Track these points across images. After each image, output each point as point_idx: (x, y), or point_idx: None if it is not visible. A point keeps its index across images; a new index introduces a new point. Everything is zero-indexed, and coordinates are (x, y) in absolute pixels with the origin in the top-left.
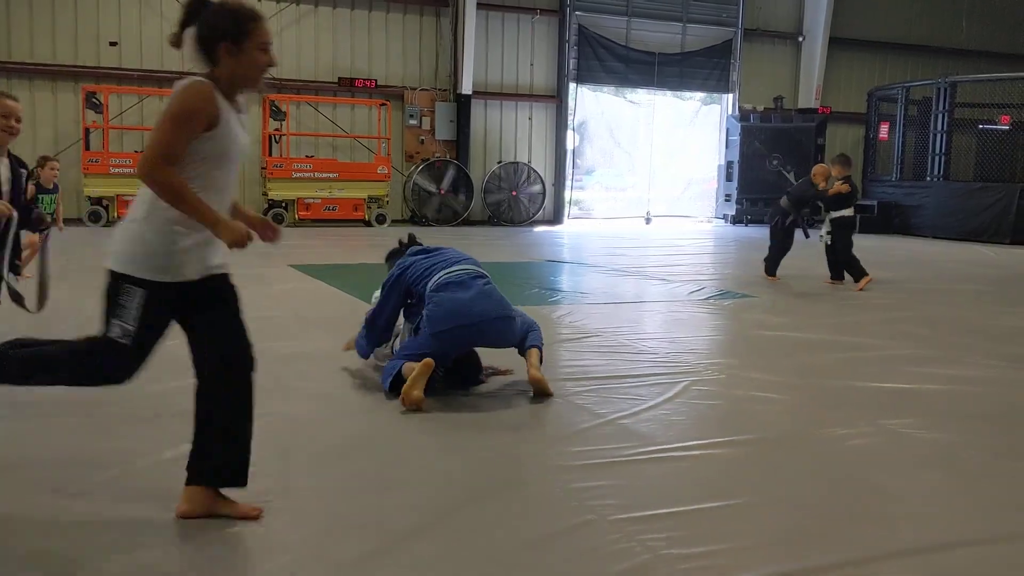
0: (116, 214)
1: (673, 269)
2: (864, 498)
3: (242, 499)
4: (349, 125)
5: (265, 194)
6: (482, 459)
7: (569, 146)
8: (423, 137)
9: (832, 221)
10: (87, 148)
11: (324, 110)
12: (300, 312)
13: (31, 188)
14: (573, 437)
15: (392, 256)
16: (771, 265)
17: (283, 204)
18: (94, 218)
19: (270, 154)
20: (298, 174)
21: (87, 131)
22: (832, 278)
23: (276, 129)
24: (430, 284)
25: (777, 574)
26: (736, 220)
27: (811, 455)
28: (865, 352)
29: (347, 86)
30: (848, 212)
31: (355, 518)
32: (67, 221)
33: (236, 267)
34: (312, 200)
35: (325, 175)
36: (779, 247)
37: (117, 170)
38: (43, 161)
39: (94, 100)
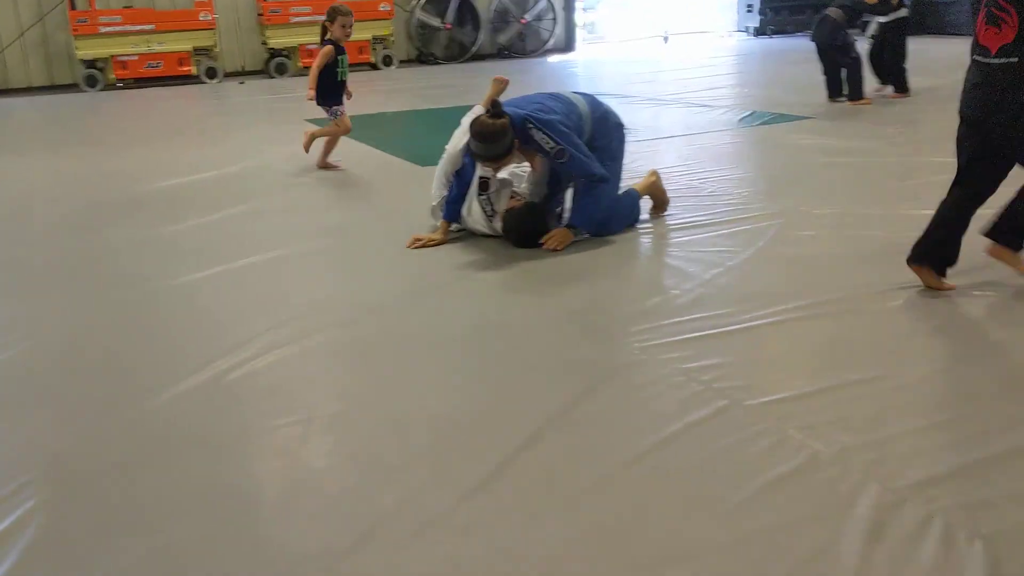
0: (112, 76)
1: (712, 93)
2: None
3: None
4: None
5: (264, 43)
6: (576, 338)
7: None
8: None
9: (883, 24)
10: (73, 7)
11: None
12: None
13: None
14: (669, 305)
15: (500, 135)
16: (854, 87)
17: (285, 53)
18: (91, 82)
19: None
20: (296, 19)
21: None
22: (882, 83)
23: None
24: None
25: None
26: (760, 32)
27: (932, 310)
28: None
29: None
30: (904, 12)
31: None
32: (61, 87)
33: (251, 128)
34: (315, 46)
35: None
36: (842, 65)
37: (107, 29)
38: (333, 15)
39: None
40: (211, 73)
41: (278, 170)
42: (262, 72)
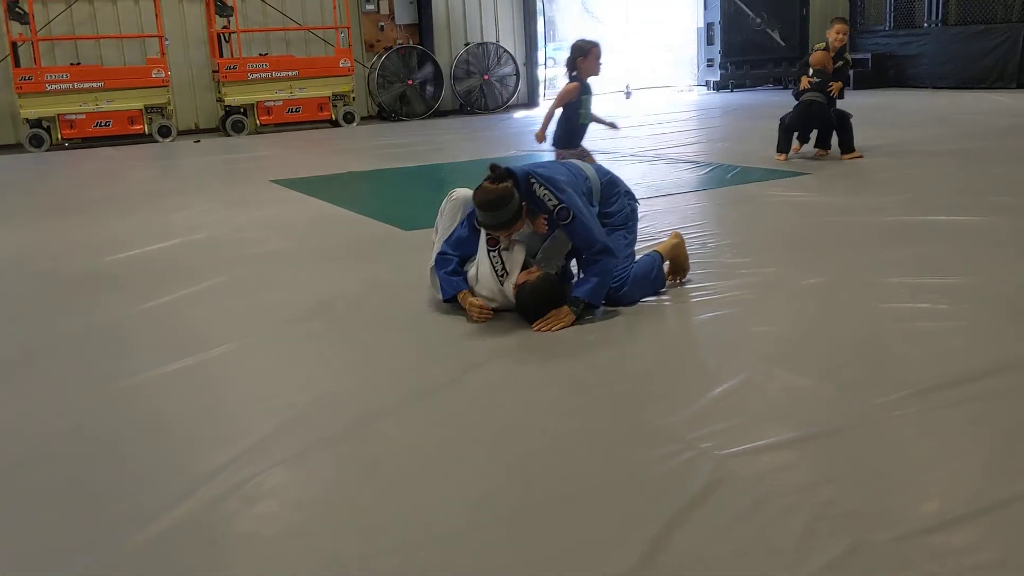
0: (59, 136)
1: (694, 148)
2: None
3: None
4: (301, 16)
5: (220, 100)
6: (627, 447)
7: (539, 21)
8: (383, 23)
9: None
10: (16, 64)
11: (272, 1)
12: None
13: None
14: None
15: (506, 199)
16: (847, 141)
17: (241, 109)
18: (36, 143)
19: (221, 55)
20: (254, 75)
21: (14, 45)
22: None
23: (224, 27)
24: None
25: None
26: (721, 86)
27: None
28: None
29: None
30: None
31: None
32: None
33: (213, 191)
34: (273, 103)
35: (284, 74)
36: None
37: (54, 87)
38: (584, 49)
39: (18, 10)
40: (164, 132)
41: (247, 237)
42: (217, 130)
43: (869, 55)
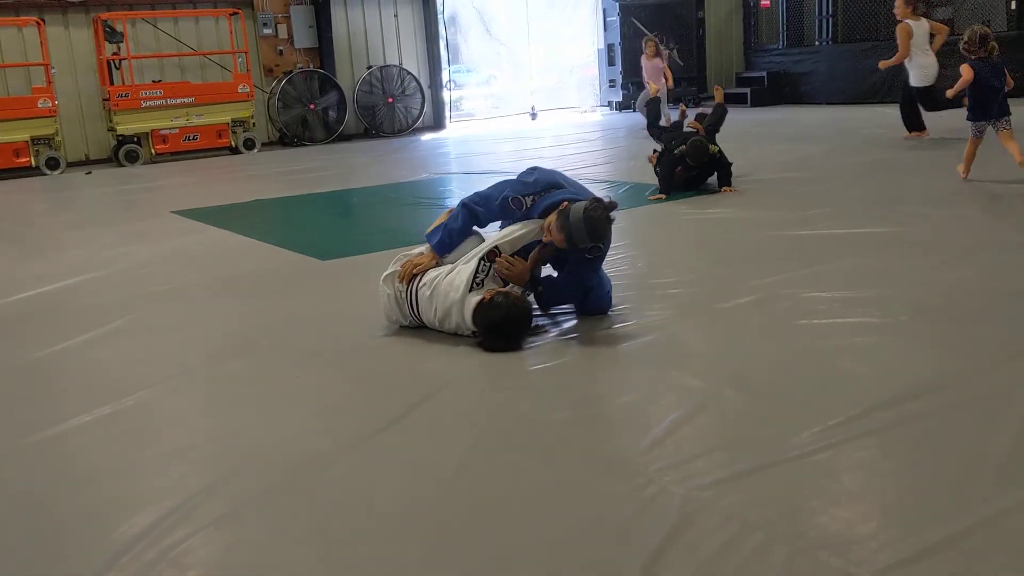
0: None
1: (606, 168)
2: None
3: None
4: (196, 41)
5: (112, 130)
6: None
7: (442, 44)
8: (281, 47)
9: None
10: (111, 83)
11: (164, 26)
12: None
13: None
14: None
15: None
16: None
17: (135, 139)
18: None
19: (111, 83)
20: (148, 103)
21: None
22: None
23: (114, 53)
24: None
25: None
26: (623, 106)
27: None
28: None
29: None
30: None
31: None
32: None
33: (111, 224)
34: (169, 131)
35: (180, 101)
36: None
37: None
38: (985, 38)
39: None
40: (52, 164)
41: (153, 273)
42: (109, 161)
43: (764, 73)
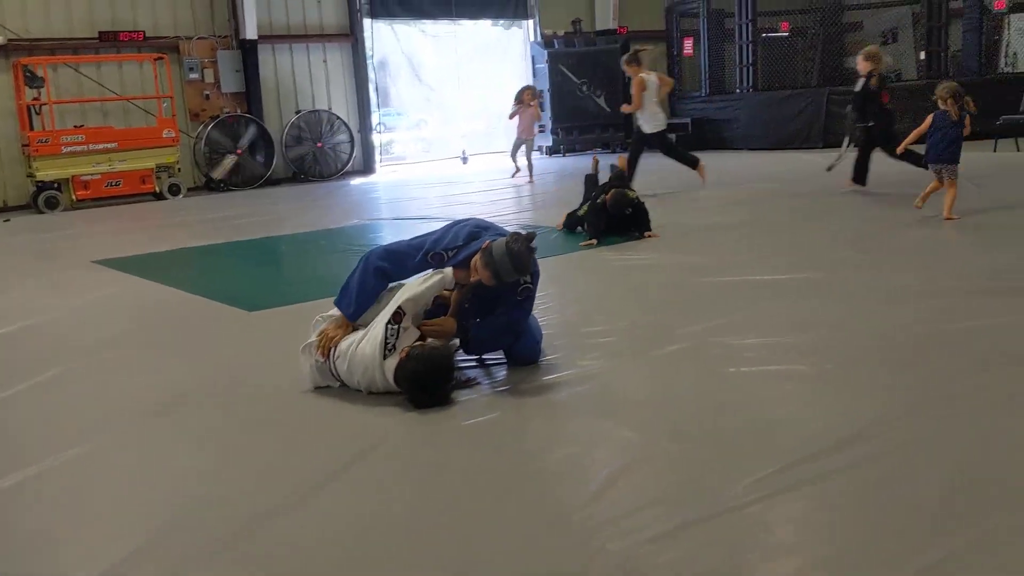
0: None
1: (535, 214)
2: None
3: None
4: (119, 86)
5: (31, 176)
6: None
7: (372, 88)
8: (208, 92)
9: None
10: (31, 128)
11: (87, 71)
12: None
13: None
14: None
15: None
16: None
17: (55, 185)
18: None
19: (31, 128)
20: (69, 148)
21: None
22: None
23: (35, 99)
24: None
25: None
26: (553, 151)
27: None
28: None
29: (111, 41)
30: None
31: None
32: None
33: (30, 274)
34: (90, 177)
35: (102, 146)
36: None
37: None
38: None
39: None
40: None
41: (76, 325)
42: (28, 207)
43: (689, 120)
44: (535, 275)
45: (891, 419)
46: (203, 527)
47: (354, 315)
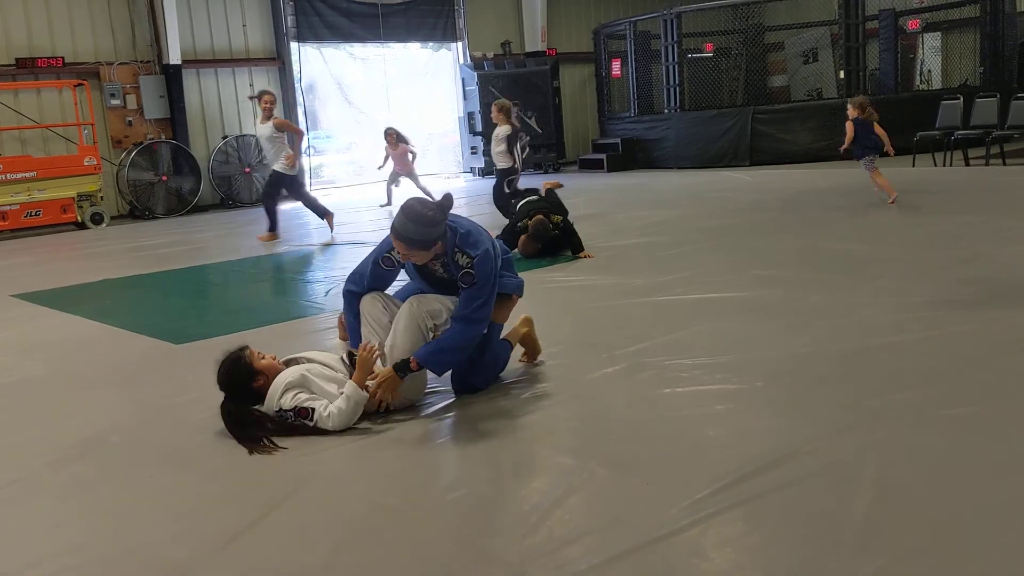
0: None
1: None
2: None
3: None
4: (37, 113)
5: None
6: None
7: (301, 111)
8: (130, 118)
9: None
10: None
11: (3, 99)
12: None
13: None
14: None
15: (432, 223)
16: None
17: None
18: None
19: None
20: None
21: None
22: None
23: None
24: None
25: None
26: (486, 172)
27: None
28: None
29: (28, 67)
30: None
31: None
32: None
33: None
34: (8, 207)
35: (20, 175)
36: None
37: None
38: None
39: None
40: None
41: None
42: None
43: (619, 140)
44: (479, 260)
45: (815, 438)
46: None
47: (355, 344)
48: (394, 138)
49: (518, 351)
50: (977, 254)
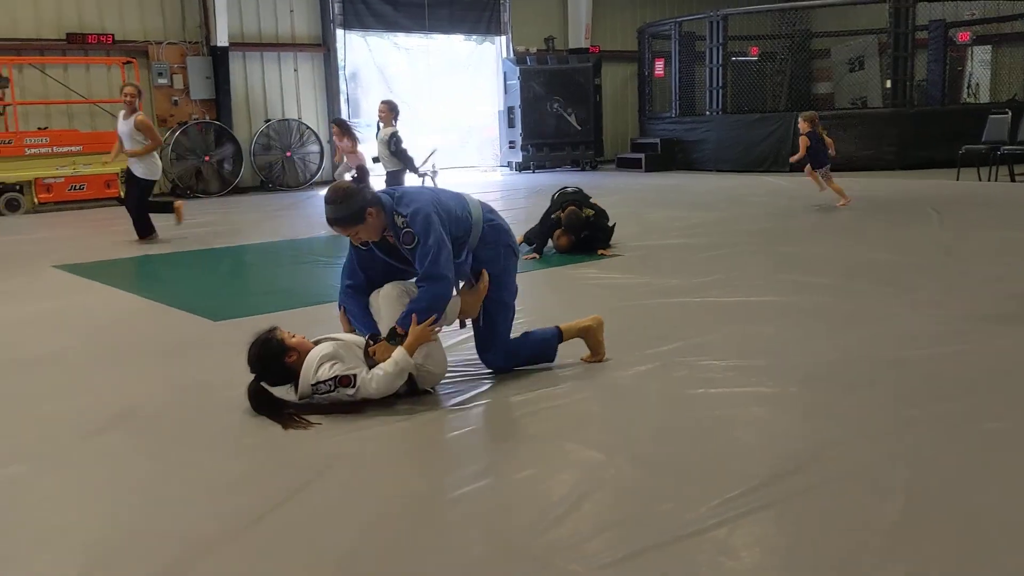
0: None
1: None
2: None
3: None
4: (86, 89)
5: None
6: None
7: (343, 99)
8: (176, 98)
9: None
10: None
11: (53, 73)
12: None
13: None
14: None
15: (349, 197)
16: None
17: (17, 187)
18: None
19: None
20: (32, 150)
21: None
22: None
23: None
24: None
25: None
26: (523, 167)
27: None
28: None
29: (79, 43)
30: None
31: None
32: None
33: None
34: (54, 180)
35: (66, 149)
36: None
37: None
38: None
39: None
40: None
41: (26, 334)
42: None
43: (658, 140)
44: (411, 215)
45: (848, 442)
46: (147, 554)
47: (368, 330)
48: (339, 130)
49: (580, 349)
50: (1019, 270)
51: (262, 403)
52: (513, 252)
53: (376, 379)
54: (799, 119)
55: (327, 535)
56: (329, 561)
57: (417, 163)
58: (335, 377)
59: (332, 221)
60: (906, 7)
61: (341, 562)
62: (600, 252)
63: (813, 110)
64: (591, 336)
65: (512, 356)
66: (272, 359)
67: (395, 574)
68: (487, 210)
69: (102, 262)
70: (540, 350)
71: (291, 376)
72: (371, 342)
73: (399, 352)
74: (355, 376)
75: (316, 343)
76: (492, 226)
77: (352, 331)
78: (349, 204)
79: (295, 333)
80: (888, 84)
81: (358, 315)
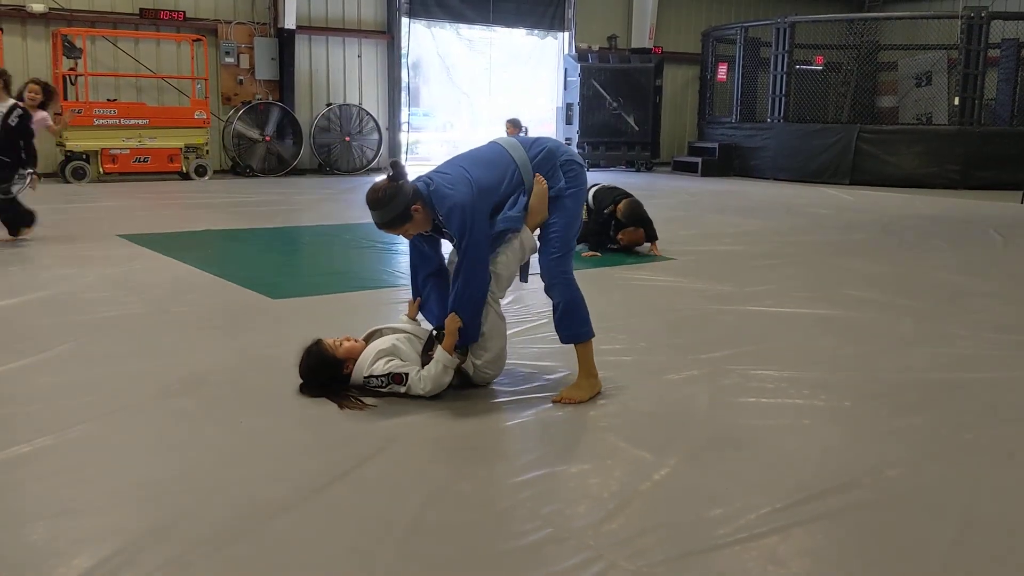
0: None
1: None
2: None
3: None
4: (155, 64)
5: (61, 145)
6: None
7: (404, 87)
8: (242, 77)
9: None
10: (65, 98)
11: (125, 46)
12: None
13: None
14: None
15: (390, 199)
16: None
17: (84, 156)
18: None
19: (65, 98)
20: (101, 121)
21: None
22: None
23: (71, 69)
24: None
25: None
26: None
27: None
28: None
29: (151, 19)
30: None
31: None
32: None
33: (52, 243)
34: (119, 151)
35: (133, 122)
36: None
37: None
38: None
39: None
40: None
41: (96, 299)
42: (55, 176)
43: (716, 145)
44: (447, 216)
45: (903, 463)
46: (215, 512)
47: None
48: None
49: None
50: None
51: (315, 389)
52: (576, 164)
53: (424, 380)
54: None
55: (388, 507)
56: (378, 539)
57: None
58: (388, 374)
59: (381, 225)
60: (979, 24)
61: (397, 538)
62: (652, 250)
63: (876, 123)
64: (579, 390)
65: (565, 284)
66: (331, 377)
67: (454, 549)
68: (528, 144)
69: (165, 233)
70: (579, 316)
71: (347, 382)
72: (435, 333)
73: (439, 352)
74: (407, 375)
75: (373, 333)
76: (543, 156)
77: (414, 319)
78: (394, 205)
79: (340, 340)
80: (956, 101)
81: (435, 311)
